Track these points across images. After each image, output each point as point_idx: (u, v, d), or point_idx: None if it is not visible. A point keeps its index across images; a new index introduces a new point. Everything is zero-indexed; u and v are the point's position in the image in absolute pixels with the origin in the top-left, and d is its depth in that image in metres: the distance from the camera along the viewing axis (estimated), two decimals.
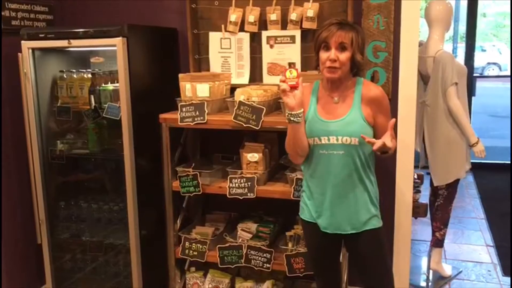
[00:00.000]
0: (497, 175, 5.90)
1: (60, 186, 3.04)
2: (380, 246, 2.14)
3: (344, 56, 1.96)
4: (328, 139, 2.02)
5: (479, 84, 7.40)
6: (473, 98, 6.34)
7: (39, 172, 2.87)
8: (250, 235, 2.77)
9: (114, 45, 2.57)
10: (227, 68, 2.94)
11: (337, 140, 2.01)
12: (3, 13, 2.80)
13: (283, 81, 1.96)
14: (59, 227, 3.03)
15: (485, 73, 15.36)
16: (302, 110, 2.01)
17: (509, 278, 3.39)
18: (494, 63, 15.99)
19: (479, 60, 14.14)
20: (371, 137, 2.01)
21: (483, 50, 15.91)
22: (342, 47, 1.96)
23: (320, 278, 2.33)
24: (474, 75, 6.93)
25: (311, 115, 2.08)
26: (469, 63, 6.18)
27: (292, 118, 2.00)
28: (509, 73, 14.97)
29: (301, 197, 2.24)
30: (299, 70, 2.08)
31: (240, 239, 2.76)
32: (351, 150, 2.01)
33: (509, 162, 6.15)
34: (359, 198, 2.06)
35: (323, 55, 1.99)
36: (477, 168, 5.55)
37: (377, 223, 2.12)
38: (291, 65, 1.99)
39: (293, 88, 1.97)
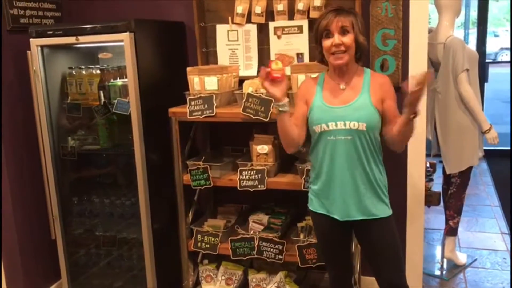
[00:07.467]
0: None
1: (72, 182, 3.06)
2: (390, 235, 2.12)
3: (348, 38, 1.98)
4: (336, 125, 2.02)
5: (492, 70, 7.26)
6: (485, 84, 6.25)
7: (51, 169, 2.89)
8: (262, 227, 2.77)
9: (122, 41, 2.57)
10: (235, 60, 2.93)
11: (344, 125, 2.01)
12: (11, 12, 2.82)
13: (269, 72, 1.99)
14: (73, 222, 3.06)
15: (498, 59, 15.09)
16: (287, 100, 2.06)
17: None
18: (508, 48, 15.70)
19: (492, 45, 13.89)
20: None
21: (496, 36, 15.62)
22: (344, 31, 1.97)
23: (331, 268, 2.33)
24: (487, 61, 6.81)
25: (317, 103, 2.09)
26: (481, 49, 6.09)
27: (280, 109, 2.04)
28: None
29: (309, 188, 2.24)
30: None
31: (252, 231, 2.77)
32: (358, 135, 2.01)
33: None
34: (367, 185, 2.06)
35: (327, 42, 2.00)
36: (491, 155, 5.49)
37: (387, 212, 2.10)
38: (276, 57, 2.03)
39: (276, 79, 2.00)
